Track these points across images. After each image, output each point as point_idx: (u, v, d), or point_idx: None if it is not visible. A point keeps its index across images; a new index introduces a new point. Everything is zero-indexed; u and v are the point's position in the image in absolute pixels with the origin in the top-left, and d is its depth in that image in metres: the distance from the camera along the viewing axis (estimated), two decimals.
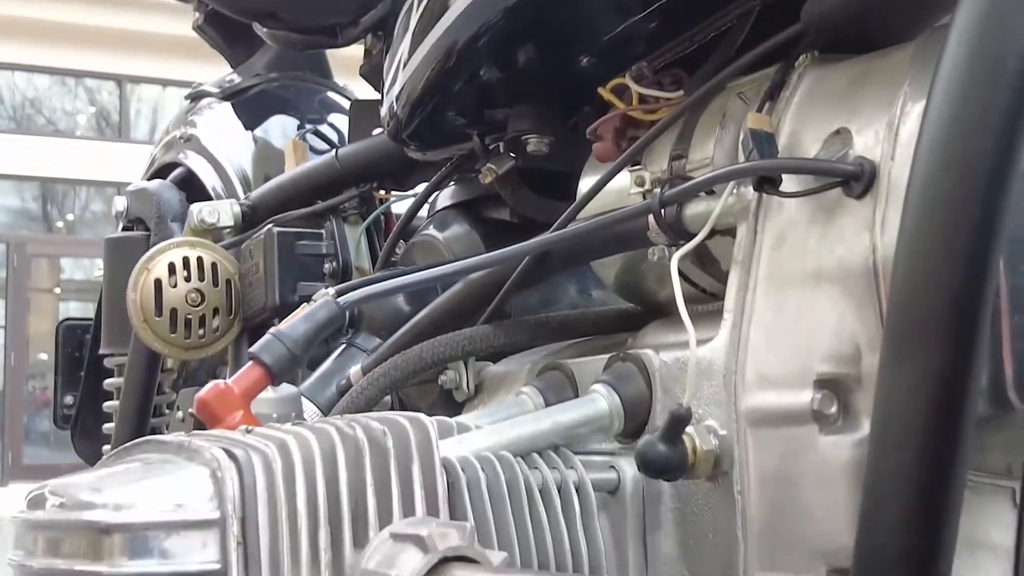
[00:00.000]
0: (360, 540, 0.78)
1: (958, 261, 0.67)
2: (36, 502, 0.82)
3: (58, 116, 13.31)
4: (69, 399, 2.15)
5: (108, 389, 1.86)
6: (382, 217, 1.52)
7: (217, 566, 0.73)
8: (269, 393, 1.01)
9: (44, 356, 11.37)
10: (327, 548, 0.76)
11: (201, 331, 1.50)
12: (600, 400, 0.95)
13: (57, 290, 12.69)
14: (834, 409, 0.81)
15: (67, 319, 2.28)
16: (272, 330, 0.98)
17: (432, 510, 0.81)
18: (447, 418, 0.93)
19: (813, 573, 0.80)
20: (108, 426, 1.85)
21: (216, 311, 1.51)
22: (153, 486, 0.76)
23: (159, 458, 0.81)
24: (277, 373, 0.97)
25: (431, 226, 1.35)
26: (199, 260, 1.49)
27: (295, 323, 0.98)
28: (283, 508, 0.75)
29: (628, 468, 0.92)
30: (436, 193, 1.39)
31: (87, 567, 0.73)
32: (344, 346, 1.29)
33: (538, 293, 1.25)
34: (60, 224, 13.44)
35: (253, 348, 0.97)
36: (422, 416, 0.85)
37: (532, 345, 1.13)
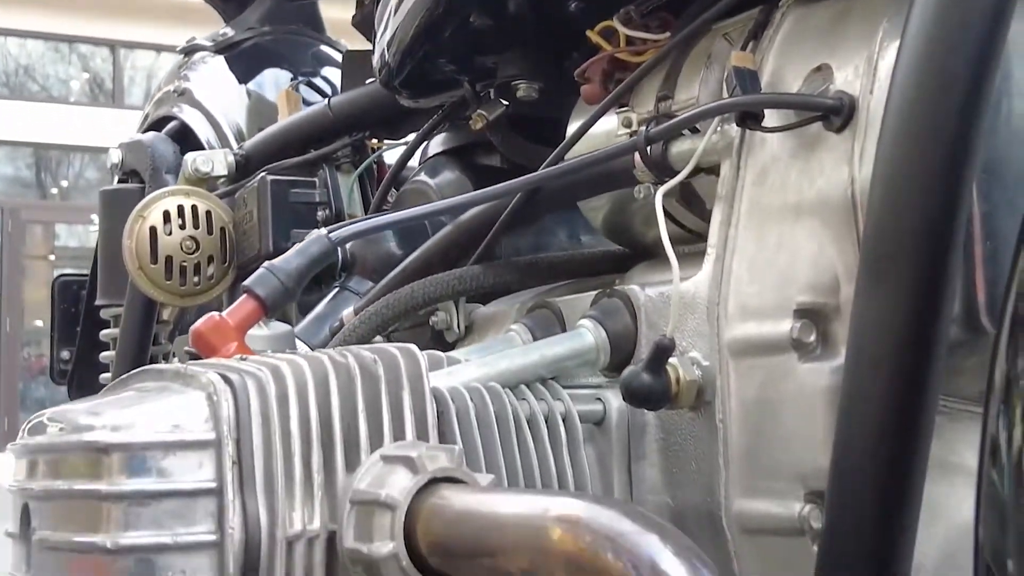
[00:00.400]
0: (352, 463, 0.80)
1: (931, 186, 0.69)
2: (35, 429, 0.84)
3: (51, 83, 13.26)
4: (65, 354, 2.17)
5: (104, 340, 1.88)
6: (374, 165, 1.54)
7: (213, 484, 0.76)
8: (263, 331, 1.03)
9: (39, 323, 11.38)
10: (320, 470, 0.78)
11: (196, 278, 1.52)
12: (587, 334, 0.97)
13: (52, 257, 12.69)
14: (813, 337, 0.83)
15: (63, 274, 2.30)
16: (265, 264, 1.00)
17: (422, 437, 0.83)
18: (437, 352, 0.95)
19: (792, 496, 0.83)
20: (104, 376, 1.87)
21: (211, 259, 1.53)
22: (150, 409, 0.78)
23: (156, 385, 0.83)
24: (271, 306, 0.99)
25: (422, 173, 1.37)
26: (194, 208, 1.51)
27: (288, 257, 1.00)
28: (277, 430, 0.77)
29: (614, 400, 0.95)
30: (427, 141, 1.41)
31: (86, 485, 0.75)
32: (337, 290, 1.31)
33: (528, 239, 1.27)
34: (55, 191, 13.42)
35: (247, 281, 0.99)
36: (412, 346, 0.87)
37: (522, 285, 1.15)
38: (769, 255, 0.87)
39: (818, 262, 0.83)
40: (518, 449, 0.90)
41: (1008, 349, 0.59)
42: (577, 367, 0.98)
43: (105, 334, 1.88)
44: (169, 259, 1.51)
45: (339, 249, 1.30)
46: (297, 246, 1.02)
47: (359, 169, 1.50)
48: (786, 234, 0.86)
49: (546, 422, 0.92)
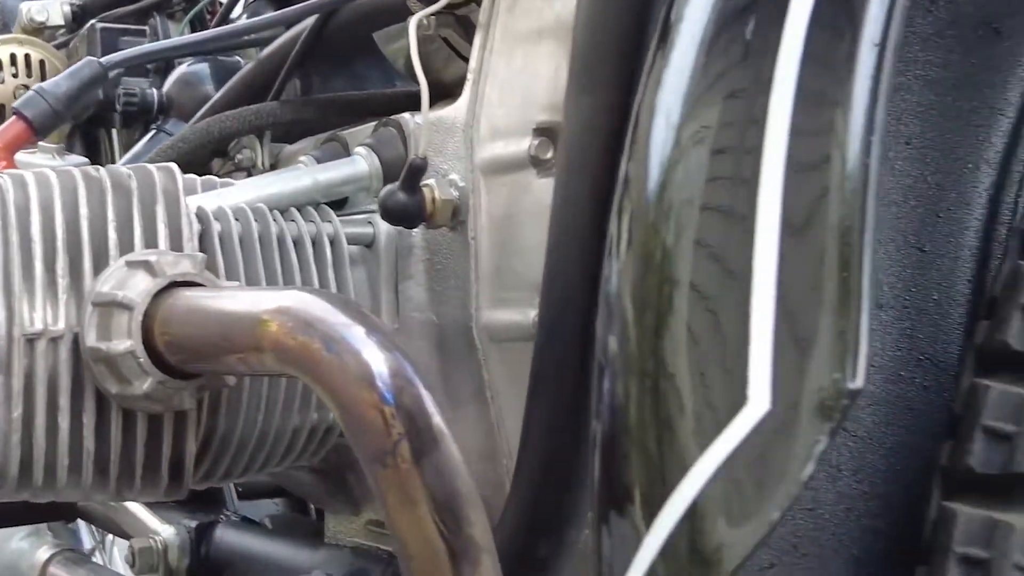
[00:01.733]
0: (100, 270, 0.83)
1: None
2: None
3: None
4: None
5: None
6: (206, 13, 1.55)
7: None
8: (56, 161, 1.06)
9: None
10: (65, 274, 0.82)
11: None
12: (360, 161, 1.00)
13: None
14: (549, 155, 0.87)
15: None
16: (35, 87, 1.02)
17: (177, 251, 0.87)
18: (213, 177, 0.98)
19: (529, 305, 0.87)
20: None
21: None
22: None
23: None
24: (39, 128, 1.01)
25: (244, 16, 1.38)
26: (27, 57, 1.52)
27: (58, 80, 1.02)
28: (15, 233, 0.80)
29: (384, 224, 0.98)
30: None
31: None
32: (154, 132, 1.34)
33: (341, 82, 1.29)
34: None
35: (16, 103, 1.02)
36: (172, 165, 0.90)
37: (321, 122, 1.17)
38: (515, 78, 0.90)
39: (555, 83, 0.87)
40: (281, 268, 0.94)
41: (628, 153, 0.64)
42: (354, 192, 1.01)
43: None
44: (2, 108, 1.52)
45: (156, 92, 1.33)
46: (68, 70, 1.04)
47: (188, 15, 1.50)
48: (530, 57, 0.89)
49: (313, 244, 0.96)
